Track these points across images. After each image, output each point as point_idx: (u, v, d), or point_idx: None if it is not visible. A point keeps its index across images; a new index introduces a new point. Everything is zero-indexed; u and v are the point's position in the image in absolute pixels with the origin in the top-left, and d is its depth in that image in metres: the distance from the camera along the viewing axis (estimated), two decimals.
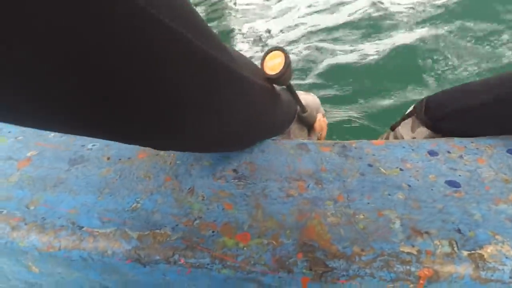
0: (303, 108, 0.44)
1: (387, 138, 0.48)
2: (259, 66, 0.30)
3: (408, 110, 0.45)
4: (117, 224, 0.28)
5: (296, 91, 0.47)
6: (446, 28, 1.25)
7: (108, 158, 0.35)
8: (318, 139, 0.52)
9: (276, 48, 0.30)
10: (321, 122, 0.49)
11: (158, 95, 0.16)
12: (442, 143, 0.34)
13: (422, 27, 1.28)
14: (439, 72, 1.11)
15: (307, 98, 0.47)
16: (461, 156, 0.32)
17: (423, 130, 0.41)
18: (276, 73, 0.29)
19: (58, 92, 0.12)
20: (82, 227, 0.28)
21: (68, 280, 0.30)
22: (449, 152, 0.33)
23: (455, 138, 0.35)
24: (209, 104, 0.20)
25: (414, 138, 0.42)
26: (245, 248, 0.27)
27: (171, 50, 0.15)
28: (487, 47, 1.16)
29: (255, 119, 0.29)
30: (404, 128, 0.44)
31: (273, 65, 0.29)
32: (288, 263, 0.26)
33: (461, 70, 1.09)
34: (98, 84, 0.13)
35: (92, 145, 0.36)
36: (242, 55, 0.27)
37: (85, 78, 0.12)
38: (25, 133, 0.38)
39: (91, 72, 0.12)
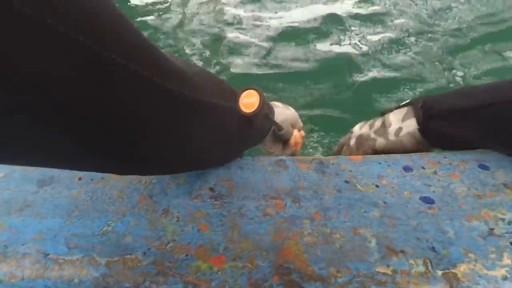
0: (279, 127, 0.44)
1: (372, 123, 0.46)
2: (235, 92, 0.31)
3: (405, 102, 0.44)
4: (84, 250, 0.27)
5: (275, 103, 0.47)
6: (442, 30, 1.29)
7: (80, 179, 0.33)
8: (293, 153, 0.52)
9: (251, 87, 0.31)
10: (296, 138, 0.49)
11: (123, 130, 0.16)
12: (417, 159, 0.34)
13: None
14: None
15: (286, 113, 0.47)
16: (435, 172, 0.33)
17: (412, 124, 0.40)
18: (251, 112, 0.29)
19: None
20: (48, 254, 0.27)
21: None
22: (423, 167, 0.33)
23: (429, 154, 0.35)
24: (175, 134, 0.20)
25: (400, 128, 0.41)
26: (219, 272, 0.27)
27: (133, 90, 0.16)
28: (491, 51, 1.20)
29: (226, 140, 0.29)
30: (395, 116, 0.43)
31: (248, 103, 0.30)
32: (263, 286, 0.26)
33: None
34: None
35: None
36: (213, 77, 0.27)
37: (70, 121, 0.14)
38: None
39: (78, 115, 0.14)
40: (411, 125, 0.40)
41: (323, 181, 0.33)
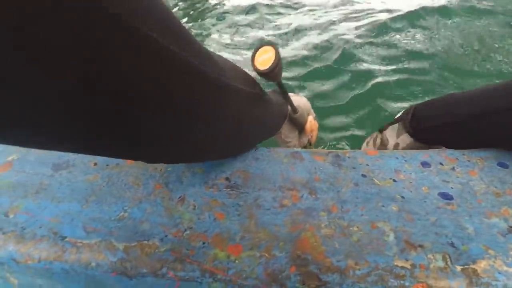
0: (295, 109, 0.44)
1: (374, 140, 0.48)
2: (250, 62, 0.30)
3: (398, 115, 0.45)
4: (102, 235, 0.27)
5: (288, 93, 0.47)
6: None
7: (95, 164, 0.33)
8: (309, 140, 0.52)
9: (267, 43, 0.30)
10: (312, 123, 0.49)
11: (151, 109, 0.16)
12: (434, 155, 0.34)
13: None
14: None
15: (298, 100, 0.47)
16: (453, 168, 0.32)
17: (406, 138, 0.42)
18: (266, 68, 0.29)
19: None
20: (65, 237, 0.27)
21: None
22: (441, 163, 0.33)
23: (447, 150, 0.35)
24: (197, 113, 0.20)
25: (397, 143, 0.43)
26: (236, 261, 0.26)
27: (166, 68, 0.15)
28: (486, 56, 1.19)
29: (245, 125, 0.29)
30: (390, 132, 0.44)
31: (263, 60, 0.29)
32: (280, 277, 0.26)
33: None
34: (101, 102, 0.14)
35: None
36: (230, 62, 0.26)
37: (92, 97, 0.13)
38: None
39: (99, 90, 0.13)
40: (405, 139, 0.42)
41: (340, 174, 0.33)
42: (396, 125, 0.44)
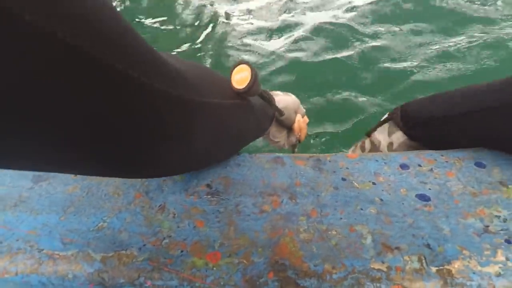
0: (280, 112, 0.44)
1: (362, 145, 0.48)
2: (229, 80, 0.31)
3: (384, 117, 0.46)
4: (79, 246, 0.27)
5: (275, 92, 0.47)
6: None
7: (75, 175, 0.33)
8: (298, 139, 0.52)
9: (242, 62, 0.30)
10: (300, 123, 0.49)
11: (122, 132, 0.16)
12: (413, 156, 0.34)
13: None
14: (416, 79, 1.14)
15: (286, 99, 0.46)
16: (431, 169, 0.33)
17: (399, 135, 0.42)
18: (243, 87, 0.29)
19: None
20: (42, 249, 0.27)
21: None
22: (419, 165, 0.33)
23: (426, 151, 0.35)
24: (173, 135, 0.20)
25: (391, 143, 0.43)
26: (214, 268, 0.26)
27: (129, 95, 0.15)
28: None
29: (226, 136, 0.29)
30: (381, 134, 0.44)
31: (240, 78, 0.30)
32: (258, 283, 0.26)
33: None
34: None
35: None
36: (208, 74, 0.26)
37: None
38: None
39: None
40: (399, 137, 0.42)
41: (320, 178, 0.33)
42: (386, 125, 0.44)
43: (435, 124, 0.38)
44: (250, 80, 0.29)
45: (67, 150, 0.15)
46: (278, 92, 0.47)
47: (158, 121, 0.18)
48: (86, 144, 0.15)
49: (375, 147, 0.45)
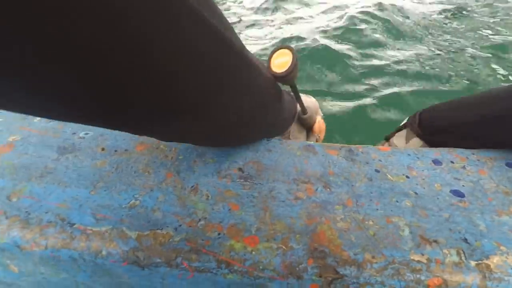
0: (304, 110, 0.44)
1: None
2: (267, 64, 0.30)
3: (403, 122, 0.46)
4: (113, 222, 0.26)
5: None
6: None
7: (103, 149, 0.32)
8: (317, 141, 0.52)
9: (284, 47, 0.29)
10: (320, 124, 0.49)
11: (177, 73, 0.15)
12: (445, 153, 0.35)
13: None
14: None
15: (307, 101, 0.46)
16: (463, 167, 0.33)
17: (417, 141, 0.42)
18: (283, 71, 0.28)
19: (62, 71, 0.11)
20: (74, 224, 0.25)
21: (51, 281, 0.27)
22: (452, 162, 0.34)
23: (457, 149, 0.35)
24: (223, 84, 0.19)
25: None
26: (253, 252, 0.26)
27: (194, 31, 0.15)
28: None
29: (261, 109, 0.28)
30: (399, 139, 0.45)
31: (280, 63, 0.29)
32: (298, 269, 0.25)
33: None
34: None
35: (84, 133, 0.33)
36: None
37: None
38: (6, 115, 0.34)
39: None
40: (416, 142, 0.42)
41: (354, 168, 0.33)
42: (403, 131, 0.45)
43: (453, 130, 0.38)
44: (290, 65, 0.28)
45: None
46: (300, 94, 0.47)
47: (218, 68, 0.17)
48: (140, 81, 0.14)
49: None
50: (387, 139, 0.48)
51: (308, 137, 0.50)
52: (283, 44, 0.31)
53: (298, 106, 0.43)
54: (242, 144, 0.34)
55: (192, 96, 0.17)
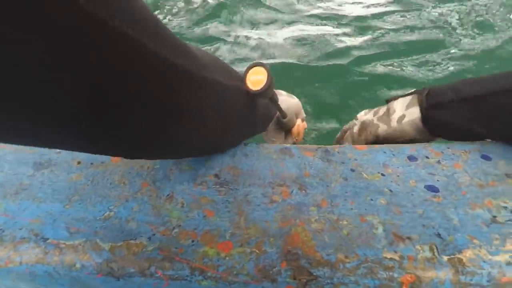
0: (284, 115, 0.44)
1: (377, 110, 0.46)
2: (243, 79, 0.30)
3: (412, 90, 0.44)
4: (86, 235, 0.26)
5: (279, 91, 0.46)
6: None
7: (79, 162, 0.32)
8: (294, 142, 0.52)
9: (258, 64, 0.30)
10: (299, 127, 0.49)
11: (130, 103, 0.16)
12: (421, 148, 0.35)
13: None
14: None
15: (289, 101, 0.46)
16: (438, 161, 0.33)
17: (415, 111, 0.40)
18: (259, 89, 0.29)
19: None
20: (47, 238, 0.26)
21: None
22: (427, 157, 0.34)
23: (433, 143, 0.36)
24: (180, 109, 0.19)
25: (403, 115, 0.42)
26: (227, 258, 0.26)
27: (136, 61, 0.15)
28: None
29: (231, 120, 0.28)
30: (400, 104, 0.43)
31: (256, 80, 0.29)
32: (271, 272, 0.26)
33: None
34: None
35: None
36: (210, 56, 0.26)
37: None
38: None
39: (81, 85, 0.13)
40: (414, 113, 0.41)
41: (329, 169, 0.33)
42: (408, 97, 0.43)
43: (457, 105, 0.37)
44: (265, 84, 0.29)
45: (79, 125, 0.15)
46: (282, 92, 0.47)
47: (169, 94, 0.18)
48: (101, 116, 0.15)
49: (387, 114, 0.44)
50: (388, 101, 0.46)
51: (286, 138, 0.50)
52: (257, 61, 0.31)
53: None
54: (217, 152, 0.34)
55: (151, 122, 0.18)
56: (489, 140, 0.35)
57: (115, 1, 0.13)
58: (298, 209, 0.30)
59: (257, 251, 0.27)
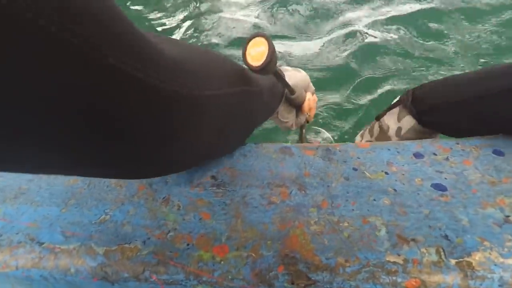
0: (292, 91, 0.41)
1: (371, 129, 0.46)
2: (242, 56, 0.28)
3: (395, 101, 0.44)
4: (81, 239, 0.26)
5: (284, 67, 0.44)
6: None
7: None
8: (307, 119, 0.50)
9: (258, 35, 0.27)
10: (310, 102, 0.46)
11: (119, 131, 0.16)
12: (427, 145, 0.33)
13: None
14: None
15: (296, 76, 0.43)
16: (447, 158, 0.31)
17: (409, 120, 0.40)
18: (259, 65, 0.26)
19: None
20: (43, 243, 0.26)
21: None
22: (434, 154, 0.32)
23: (441, 139, 0.34)
24: (171, 133, 0.19)
25: (399, 128, 0.41)
26: (222, 262, 0.25)
27: (125, 92, 0.15)
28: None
29: (233, 126, 0.28)
30: (390, 118, 0.43)
31: (256, 53, 0.26)
32: (268, 277, 0.25)
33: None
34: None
35: None
36: (211, 56, 0.24)
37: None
38: None
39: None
40: (409, 121, 0.40)
41: (330, 168, 0.32)
42: (396, 109, 0.42)
43: (448, 108, 0.36)
44: (267, 56, 0.26)
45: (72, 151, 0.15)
46: (288, 68, 0.44)
47: (160, 119, 0.17)
48: (92, 144, 0.15)
49: (383, 132, 0.43)
50: (378, 118, 0.45)
51: (297, 115, 0.48)
52: (258, 31, 0.28)
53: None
54: (223, 154, 0.34)
55: (142, 147, 0.18)
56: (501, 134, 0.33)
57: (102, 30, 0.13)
58: (297, 211, 0.29)
59: (253, 254, 0.26)
